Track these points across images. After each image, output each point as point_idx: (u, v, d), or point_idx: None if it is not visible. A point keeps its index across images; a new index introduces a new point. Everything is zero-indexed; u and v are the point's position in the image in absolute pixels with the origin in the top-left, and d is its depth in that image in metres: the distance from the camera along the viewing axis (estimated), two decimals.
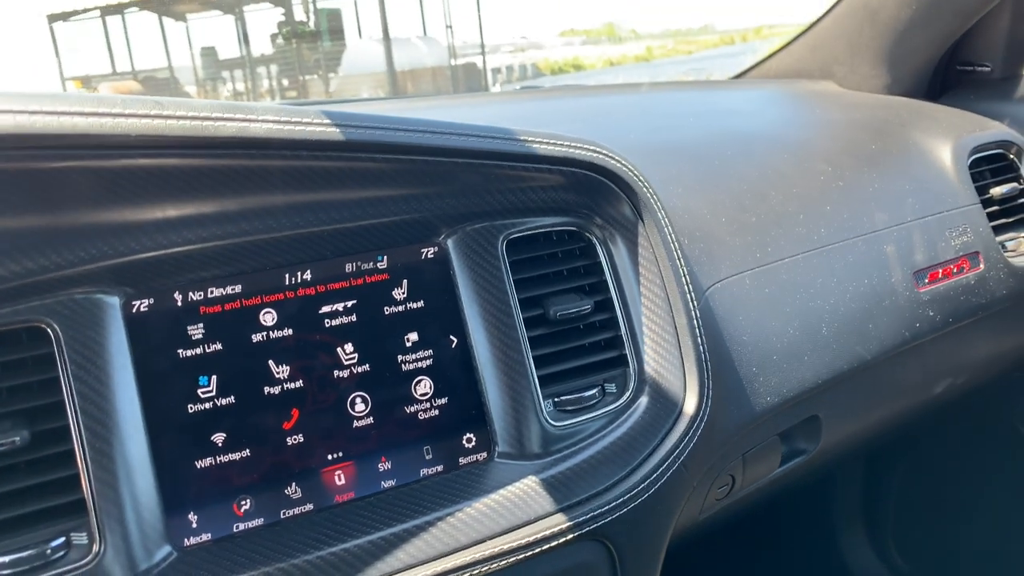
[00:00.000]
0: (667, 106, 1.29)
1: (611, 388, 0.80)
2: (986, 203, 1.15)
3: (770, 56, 1.58)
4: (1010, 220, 1.18)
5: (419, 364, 0.74)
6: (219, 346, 0.68)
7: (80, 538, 0.61)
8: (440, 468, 0.73)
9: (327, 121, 0.64)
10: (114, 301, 0.64)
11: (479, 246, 0.77)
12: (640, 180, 0.78)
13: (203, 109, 0.60)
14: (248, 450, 0.68)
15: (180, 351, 0.67)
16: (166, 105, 0.59)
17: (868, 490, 1.66)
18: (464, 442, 0.75)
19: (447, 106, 1.31)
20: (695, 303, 0.80)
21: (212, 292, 0.68)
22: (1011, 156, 1.22)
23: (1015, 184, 1.19)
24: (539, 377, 0.77)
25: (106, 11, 17.96)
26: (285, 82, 18.40)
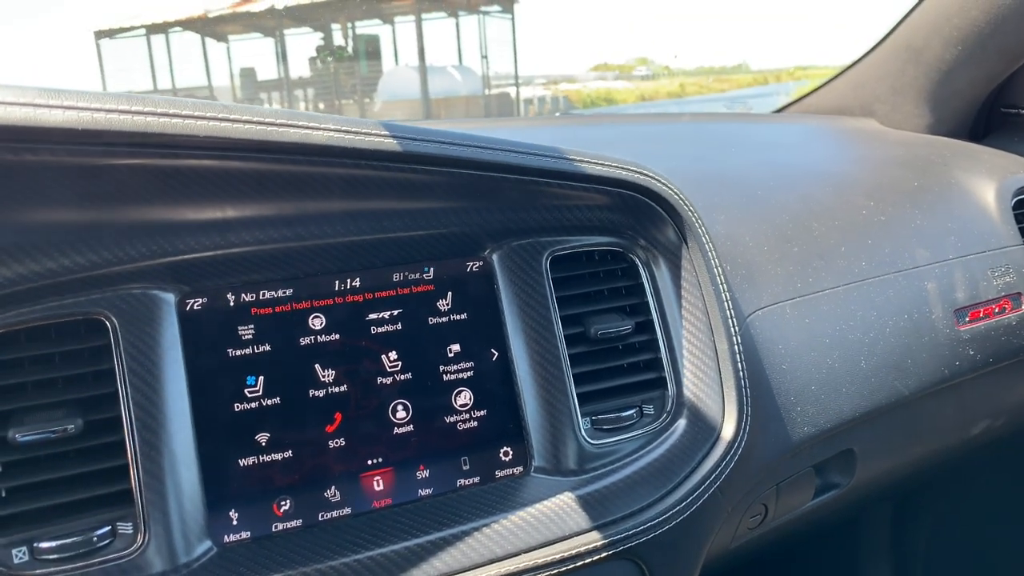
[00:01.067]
0: (708, 136, 1.30)
1: (649, 409, 0.80)
2: None
3: (811, 92, 1.58)
4: None
5: (460, 375, 0.75)
6: (268, 347, 0.69)
7: (126, 528, 0.62)
8: (476, 480, 0.74)
9: (385, 132, 0.66)
10: (169, 298, 0.66)
11: (523, 262, 0.78)
12: (685, 203, 0.79)
13: (268, 115, 0.62)
14: (290, 451, 0.69)
15: (230, 350, 0.68)
16: (233, 110, 0.61)
17: (898, 531, 1.63)
18: (501, 455, 0.75)
19: (485, 129, 1.33)
20: (736, 329, 0.80)
21: (264, 294, 0.69)
22: None
23: None
24: (578, 395, 0.77)
25: (151, 29, 18.42)
26: (321, 105, 18.69)
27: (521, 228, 0.78)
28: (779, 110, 1.62)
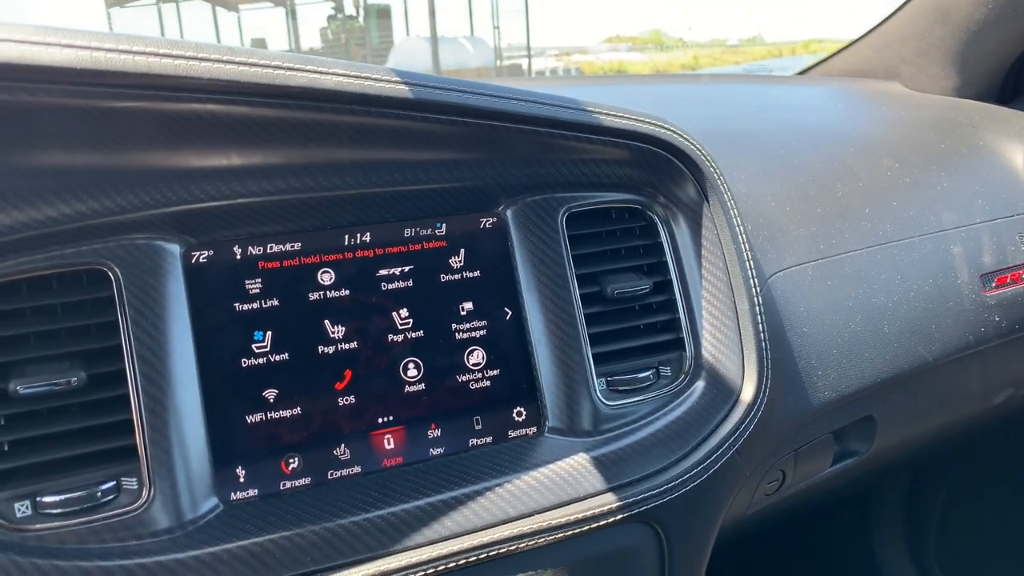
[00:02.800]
0: (729, 97, 1.26)
1: (666, 371, 0.78)
2: None
3: (834, 54, 1.54)
4: None
5: (473, 334, 0.73)
6: (275, 302, 0.67)
7: (130, 483, 0.61)
8: (489, 439, 0.72)
9: (396, 78, 0.63)
10: (175, 249, 0.64)
11: (538, 218, 0.75)
12: (707, 159, 0.77)
13: (275, 59, 0.60)
14: (299, 408, 0.67)
15: (237, 304, 0.66)
16: (238, 52, 0.59)
17: (913, 503, 1.61)
18: (514, 415, 0.73)
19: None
20: (757, 289, 0.78)
21: (272, 248, 0.67)
22: None
23: None
24: (593, 355, 0.75)
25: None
26: (384, 66, 18.52)
27: (536, 183, 0.75)
28: (802, 72, 1.58)
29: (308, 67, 0.60)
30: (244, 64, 0.58)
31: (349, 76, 0.62)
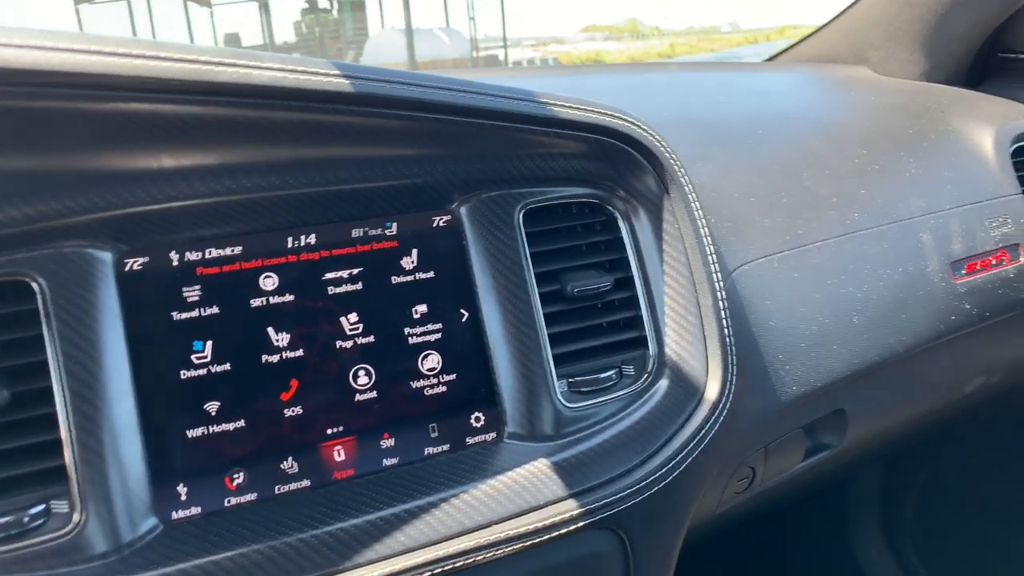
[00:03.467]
0: (696, 85, 1.24)
1: (629, 370, 0.75)
2: None
3: (803, 40, 1.52)
4: None
5: (427, 338, 0.70)
6: (216, 310, 0.64)
7: (60, 506, 0.58)
8: (446, 447, 0.69)
9: (336, 72, 0.60)
10: (106, 257, 0.61)
11: (494, 215, 0.72)
12: (667, 151, 0.74)
13: (204, 53, 0.56)
14: (243, 421, 0.64)
15: (174, 313, 0.63)
16: (165, 47, 0.55)
17: (888, 491, 1.61)
18: (472, 421, 0.70)
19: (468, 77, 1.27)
20: (721, 284, 0.75)
21: (210, 252, 0.64)
22: None
23: None
24: (553, 356, 0.72)
25: None
26: (323, 59, 18.37)
27: (492, 179, 0.72)
28: (770, 59, 1.55)
29: (240, 62, 0.57)
30: (170, 60, 0.55)
31: (285, 71, 0.58)
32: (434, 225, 0.71)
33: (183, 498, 0.62)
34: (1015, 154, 1.11)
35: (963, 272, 0.99)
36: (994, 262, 1.03)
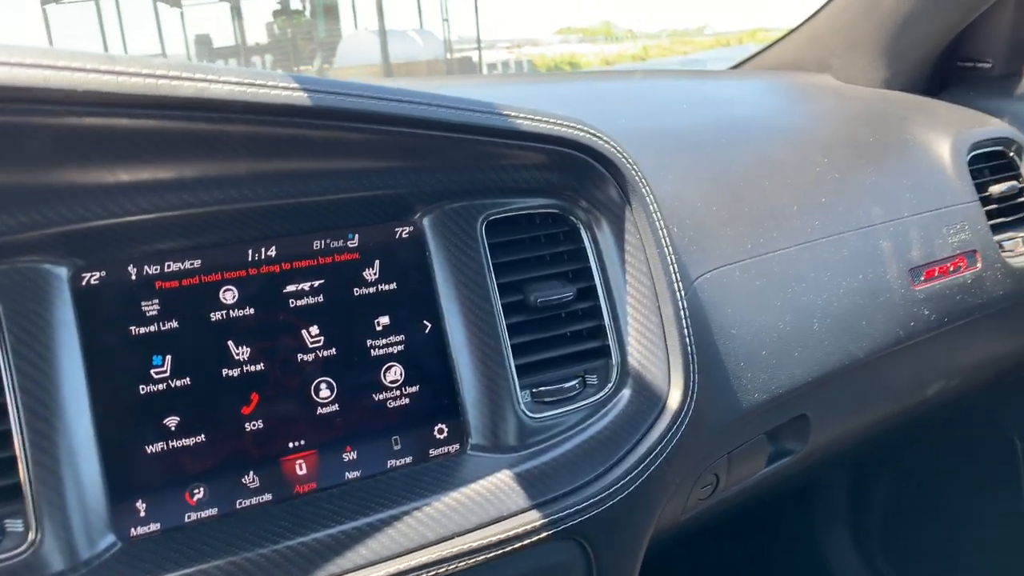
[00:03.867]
0: (661, 93, 1.25)
1: (592, 379, 0.76)
2: (984, 201, 1.12)
3: (767, 48, 1.54)
4: (1008, 219, 1.15)
5: (389, 350, 0.70)
6: (175, 324, 0.63)
7: (15, 525, 0.57)
8: (409, 460, 0.69)
9: (293, 85, 0.60)
10: (61, 272, 0.60)
11: (457, 227, 0.73)
12: (628, 161, 0.75)
13: (160, 67, 0.56)
14: (203, 435, 0.63)
15: (133, 328, 0.62)
16: (119, 61, 0.55)
17: (855, 494, 1.63)
18: (436, 433, 0.70)
19: (434, 86, 1.27)
20: (682, 293, 0.76)
21: (169, 266, 0.63)
22: (1011, 154, 1.19)
23: (1014, 182, 1.16)
24: (517, 366, 0.73)
25: None
26: (279, 72, 18.26)
27: (454, 190, 0.72)
28: (735, 67, 1.57)
29: (196, 75, 0.57)
30: (124, 74, 0.54)
31: (242, 84, 0.58)
32: (396, 237, 0.71)
33: (142, 514, 0.61)
34: (972, 162, 1.14)
35: (922, 279, 1.01)
36: (952, 268, 1.05)
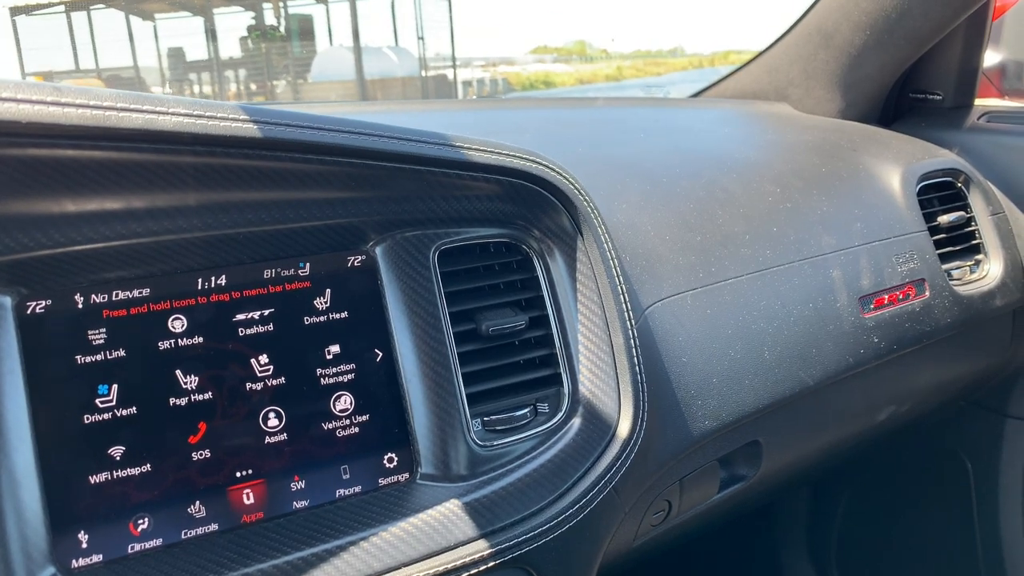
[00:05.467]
0: (619, 121, 1.27)
1: (544, 408, 0.77)
2: (933, 231, 1.15)
3: (727, 77, 1.57)
4: (956, 248, 1.18)
5: (339, 379, 0.70)
6: (122, 353, 0.63)
7: None
8: (358, 489, 0.69)
9: (244, 116, 0.60)
10: (5, 301, 0.60)
11: (409, 256, 0.73)
12: (578, 191, 0.76)
13: (107, 98, 0.56)
14: (149, 465, 0.63)
15: (78, 357, 0.62)
16: (65, 92, 0.55)
17: (813, 515, 1.65)
18: (385, 462, 0.71)
19: (390, 112, 1.28)
20: (632, 322, 0.77)
21: (117, 295, 0.63)
22: (959, 185, 1.22)
23: (962, 213, 1.19)
24: (468, 395, 0.73)
25: (71, 7, 17.64)
26: (253, 86, 18.21)
27: (406, 220, 0.73)
28: (695, 95, 1.60)
29: (145, 107, 0.57)
30: (70, 105, 0.54)
31: (192, 116, 0.58)
32: (348, 265, 0.72)
33: (84, 545, 0.61)
34: (921, 192, 1.17)
35: (871, 307, 1.03)
36: (901, 296, 1.07)
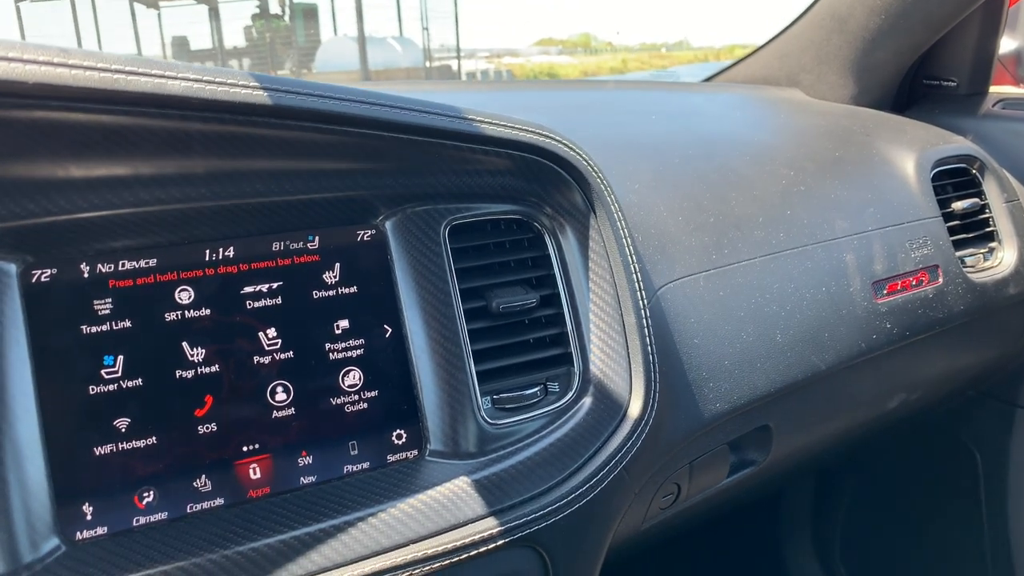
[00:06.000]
0: (631, 104, 1.25)
1: (554, 387, 0.76)
2: (947, 217, 1.14)
3: (739, 62, 1.56)
4: (970, 236, 1.17)
5: (348, 354, 0.69)
6: (128, 324, 0.62)
7: None
8: (366, 465, 0.68)
9: (254, 83, 0.59)
10: (10, 268, 0.59)
11: (420, 231, 0.72)
12: (592, 168, 0.75)
13: (116, 61, 0.55)
14: (154, 438, 0.62)
15: (84, 327, 0.61)
16: (73, 54, 0.54)
17: (818, 505, 1.64)
18: (394, 438, 0.70)
19: (405, 92, 1.26)
20: (645, 302, 0.76)
21: (124, 265, 0.62)
22: (973, 171, 1.21)
23: (976, 199, 1.18)
24: (478, 372, 0.72)
25: None
26: (240, 70, 18.15)
27: (418, 194, 0.72)
28: (707, 79, 1.59)
29: (154, 71, 0.56)
30: (79, 67, 0.53)
31: (200, 81, 0.57)
32: (358, 239, 0.71)
33: (88, 518, 0.60)
34: (935, 178, 1.15)
35: (884, 292, 1.02)
36: (914, 283, 1.06)
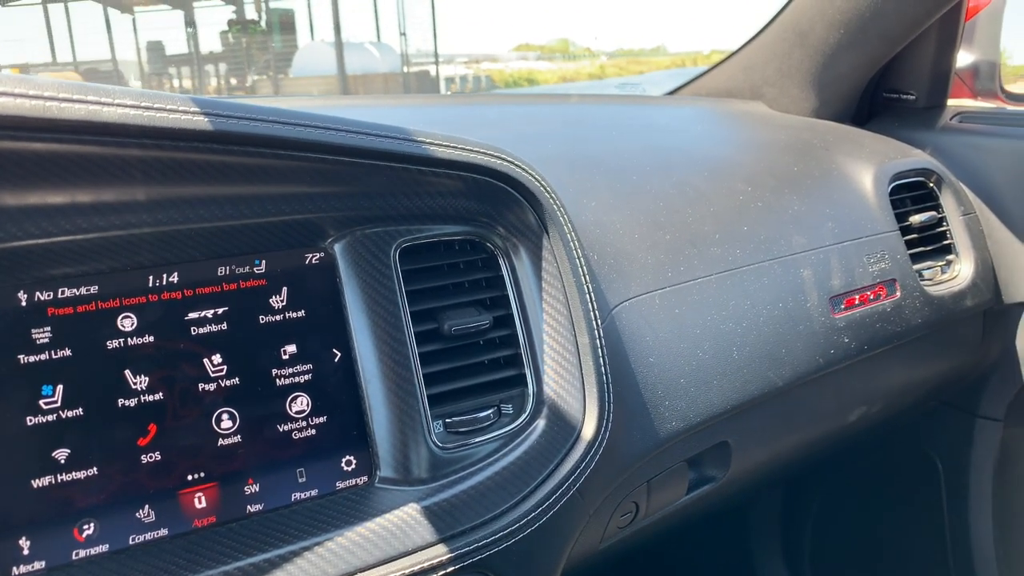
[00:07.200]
0: (592, 118, 1.26)
1: (507, 409, 0.75)
2: (905, 231, 1.15)
3: (703, 74, 1.56)
4: (927, 249, 1.18)
5: (296, 379, 0.68)
6: (68, 352, 0.61)
7: None
8: (314, 492, 0.68)
9: (194, 108, 0.58)
10: None
11: (370, 253, 0.71)
12: (544, 187, 0.74)
13: (49, 88, 0.54)
14: (95, 468, 0.61)
15: (21, 356, 0.60)
16: (3, 80, 0.53)
17: (786, 515, 1.65)
18: (343, 465, 0.69)
19: (366, 107, 1.26)
20: (598, 321, 0.76)
21: (63, 292, 0.61)
22: (931, 185, 1.22)
23: (933, 213, 1.19)
24: (430, 396, 0.71)
25: None
26: (233, 81, 18.06)
27: (368, 216, 0.71)
28: (671, 92, 1.59)
29: (89, 97, 0.55)
30: (9, 95, 0.52)
31: (137, 107, 0.56)
32: (306, 262, 0.70)
33: (25, 552, 0.58)
34: (893, 192, 1.16)
35: (842, 307, 1.03)
36: (872, 297, 1.07)
